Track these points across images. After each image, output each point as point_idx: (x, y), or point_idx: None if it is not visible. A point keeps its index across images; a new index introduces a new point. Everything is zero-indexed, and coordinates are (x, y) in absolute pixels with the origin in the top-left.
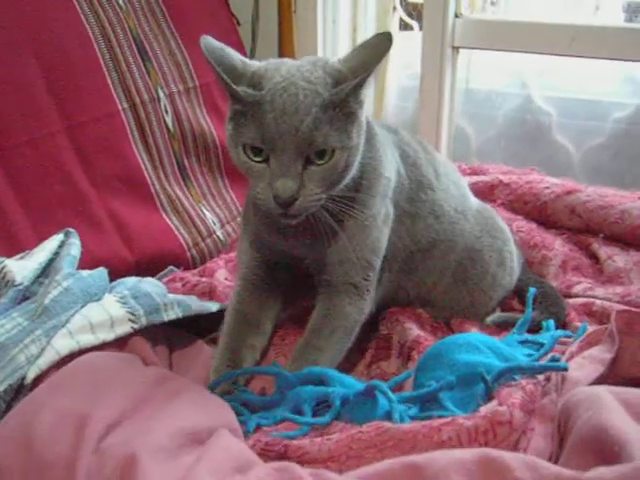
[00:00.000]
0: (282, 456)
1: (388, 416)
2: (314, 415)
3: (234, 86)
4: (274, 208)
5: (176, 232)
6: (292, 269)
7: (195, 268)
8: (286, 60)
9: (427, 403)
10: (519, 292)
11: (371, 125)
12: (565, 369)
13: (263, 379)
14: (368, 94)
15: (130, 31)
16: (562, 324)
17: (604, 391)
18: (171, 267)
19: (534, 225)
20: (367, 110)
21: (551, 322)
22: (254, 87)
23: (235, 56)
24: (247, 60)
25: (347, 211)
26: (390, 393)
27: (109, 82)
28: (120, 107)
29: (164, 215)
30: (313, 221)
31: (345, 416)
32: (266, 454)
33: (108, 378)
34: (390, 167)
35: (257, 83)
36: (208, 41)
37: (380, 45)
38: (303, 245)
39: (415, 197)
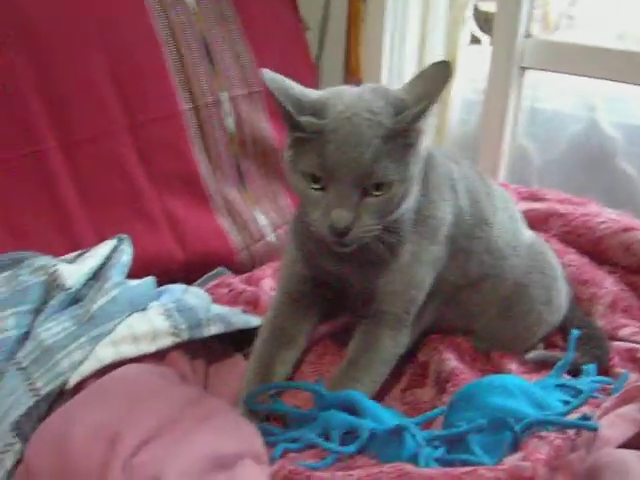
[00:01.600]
0: None
1: (414, 457)
2: (341, 443)
3: (298, 117)
4: (328, 236)
5: (228, 234)
6: (335, 288)
7: (245, 271)
8: (346, 88)
9: (454, 444)
10: (564, 329)
11: (432, 157)
12: (595, 429)
13: (297, 397)
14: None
15: (199, 33)
16: (604, 369)
17: (633, 457)
18: (220, 268)
19: (586, 260)
20: (431, 122)
21: (592, 366)
22: (316, 116)
23: (295, 86)
24: (306, 89)
25: (398, 239)
26: (418, 435)
27: (174, 83)
28: (183, 108)
29: (218, 216)
30: (366, 249)
31: (372, 451)
32: None
33: (143, 394)
34: (446, 206)
35: (319, 111)
36: (269, 73)
37: (440, 74)
38: (351, 271)
39: (472, 233)
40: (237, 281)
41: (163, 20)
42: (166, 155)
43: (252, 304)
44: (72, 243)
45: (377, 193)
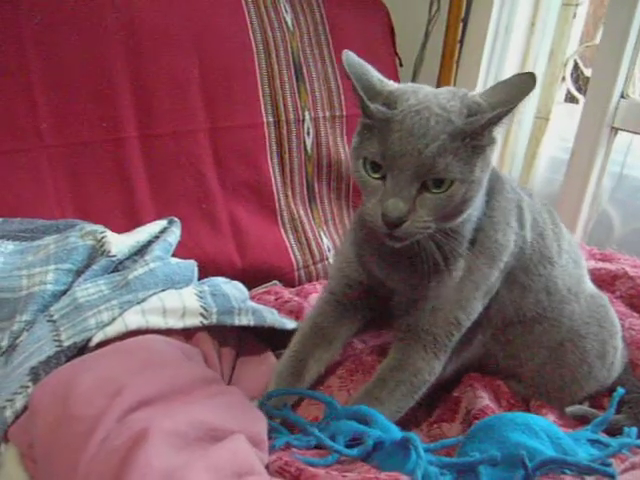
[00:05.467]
0: (296, 479)
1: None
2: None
3: (368, 102)
4: (380, 227)
5: (290, 250)
6: (381, 297)
7: None
8: (425, 86)
9: (465, 474)
10: (614, 391)
11: (501, 181)
12: (612, 476)
13: (318, 409)
14: (518, 164)
15: (292, 52)
16: None
17: None
18: (276, 281)
19: None
20: (514, 174)
21: (634, 429)
22: (388, 106)
23: (374, 74)
24: (385, 79)
25: (455, 249)
26: (422, 450)
27: (260, 95)
28: (265, 120)
29: (282, 231)
30: (417, 250)
31: (375, 461)
32: (283, 473)
33: (158, 360)
34: (508, 232)
35: (392, 102)
36: (350, 55)
37: (523, 84)
38: (400, 279)
39: (533, 269)
40: (286, 292)
41: (259, 34)
42: (241, 163)
43: (295, 313)
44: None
45: (436, 190)
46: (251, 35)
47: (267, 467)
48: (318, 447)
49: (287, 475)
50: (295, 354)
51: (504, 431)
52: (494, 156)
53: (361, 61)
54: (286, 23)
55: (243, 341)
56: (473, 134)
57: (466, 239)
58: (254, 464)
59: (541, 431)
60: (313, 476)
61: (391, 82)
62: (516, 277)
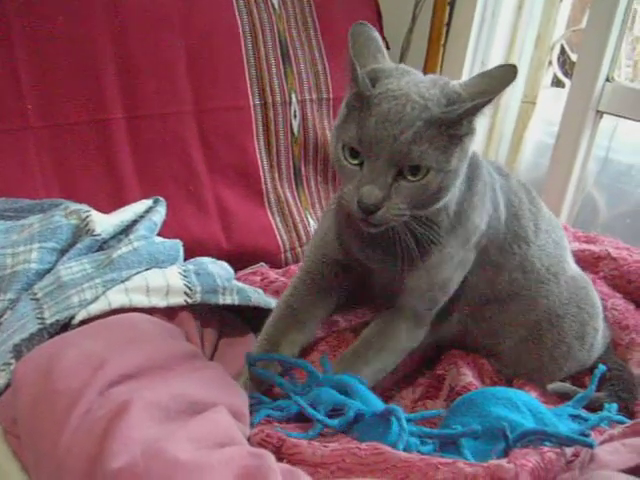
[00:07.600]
0: (278, 450)
1: (397, 445)
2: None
3: (358, 67)
4: (356, 212)
5: (276, 232)
6: (359, 277)
7: None
8: (414, 71)
9: (447, 446)
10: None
11: (480, 165)
12: (591, 445)
13: (301, 377)
14: (504, 148)
15: (278, 34)
16: (629, 414)
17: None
18: (262, 263)
19: (632, 307)
20: (501, 158)
21: (614, 406)
22: (372, 82)
23: (372, 48)
24: (383, 58)
25: (430, 237)
26: (404, 421)
27: (247, 77)
28: (252, 102)
29: (269, 213)
30: (393, 236)
31: (356, 433)
32: (265, 445)
33: (142, 338)
34: (483, 214)
35: (372, 79)
36: (359, 26)
37: (504, 76)
38: (378, 260)
39: (507, 248)
40: (272, 273)
41: (245, 15)
42: (227, 145)
43: (280, 293)
44: None
45: (412, 178)
46: (237, 16)
47: (249, 440)
48: (298, 419)
49: (269, 447)
50: (268, 337)
51: (486, 405)
52: (481, 141)
53: (370, 34)
54: (272, 5)
55: (225, 323)
56: (450, 123)
57: (442, 227)
58: (235, 435)
59: (523, 405)
60: (295, 446)
61: (388, 62)
62: (490, 256)
